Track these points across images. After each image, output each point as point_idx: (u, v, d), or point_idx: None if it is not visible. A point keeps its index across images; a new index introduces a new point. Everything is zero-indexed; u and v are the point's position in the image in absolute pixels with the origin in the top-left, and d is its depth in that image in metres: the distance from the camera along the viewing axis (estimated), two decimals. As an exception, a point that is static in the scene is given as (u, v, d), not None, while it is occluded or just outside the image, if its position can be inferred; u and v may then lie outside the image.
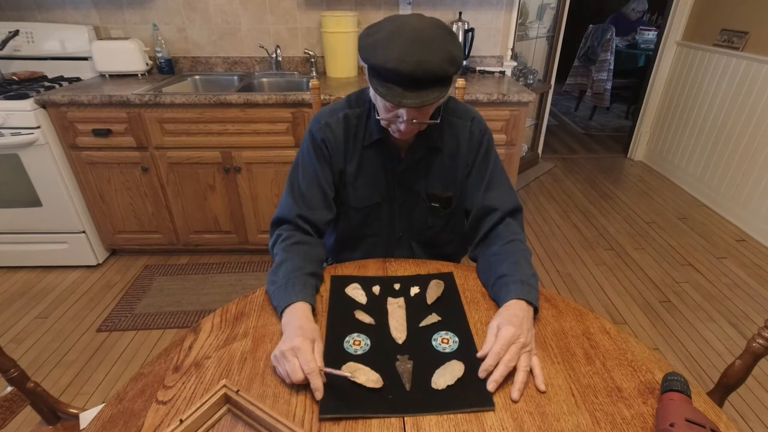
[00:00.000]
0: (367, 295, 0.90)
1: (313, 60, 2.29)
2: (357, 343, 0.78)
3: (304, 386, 0.69)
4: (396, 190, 1.02)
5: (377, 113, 0.90)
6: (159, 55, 2.26)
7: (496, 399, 0.67)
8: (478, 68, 2.40)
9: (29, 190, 2.00)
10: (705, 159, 2.96)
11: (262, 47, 2.31)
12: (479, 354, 0.73)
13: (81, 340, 1.80)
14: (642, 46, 4.57)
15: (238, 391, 0.65)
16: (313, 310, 0.83)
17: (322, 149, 0.97)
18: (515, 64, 2.60)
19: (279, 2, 2.25)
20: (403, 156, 0.99)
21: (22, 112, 1.83)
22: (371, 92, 0.89)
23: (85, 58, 2.23)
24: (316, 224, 0.98)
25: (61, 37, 2.19)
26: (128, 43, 2.15)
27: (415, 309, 0.86)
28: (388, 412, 0.65)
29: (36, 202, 2.03)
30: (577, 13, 4.13)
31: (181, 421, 0.60)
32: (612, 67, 4.23)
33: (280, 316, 0.80)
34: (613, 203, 2.96)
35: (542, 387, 0.69)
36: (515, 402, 0.67)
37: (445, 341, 0.78)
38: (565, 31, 3.11)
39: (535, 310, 0.82)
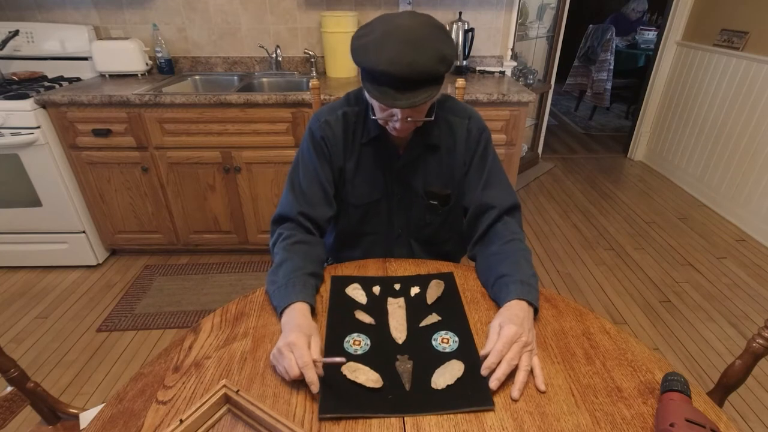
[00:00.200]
0: (367, 295, 0.90)
1: (313, 60, 2.29)
2: (357, 343, 0.78)
3: (303, 386, 0.69)
4: (394, 187, 1.03)
5: (373, 113, 0.91)
6: (159, 55, 2.26)
7: (496, 399, 0.67)
8: (478, 68, 2.40)
9: (29, 190, 2.00)
10: (705, 159, 2.96)
11: (262, 47, 2.31)
12: (482, 352, 0.72)
13: (81, 340, 1.80)
14: (642, 46, 4.57)
15: (238, 391, 0.65)
16: (313, 310, 0.83)
17: (321, 147, 0.98)
18: (515, 64, 2.60)
19: (279, 2, 2.25)
20: (401, 153, 1.00)
21: (22, 112, 1.83)
22: (366, 93, 0.89)
23: (85, 58, 2.23)
24: (317, 221, 0.98)
25: (61, 37, 2.19)
26: (128, 43, 2.15)
27: (415, 309, 0.86)
28: (388, 412, 0.65)
29: (36, 202, 2.03)
30: (577, 13, 4.13)
31: (181, 421, 0.60)
32: (612, 67, 4.23)
33: (279, 316, 0.81)
34: (613, 203, 2.96)
35: (542, 387, 0.69)
36: (515, 401, 0.67)
37: (445, 341, 0.78)
38: (565, 31, 3.11)
39: (535, 311, 0.82)
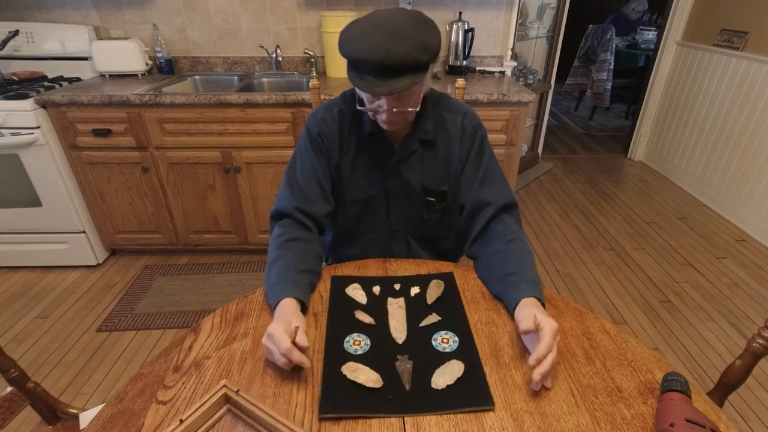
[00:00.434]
0: (367, 295, 0.90)
1: (313, 60, 2.29)
2: (357, 343, 0.78)
3: (304, 386, 0.70)
4: (390, 183, 1.03)
5: (362, 104, 0.92)
6: (159, 55, 2.26)
7: (496, 399, 0.67)
8: (478, 68, 2.40)
9: (29, 190, 2.00)
10: (705, 159, 2.96)
11: (262, 47, 2.31)
12: (522, 328, 0.71)
13: (81, 340, 1.80)
14: (642, 46, 4.57)
15: (238, 391, 0.65)
16: (306, 306, 0.84)
17: (318, 143, 0.99)
18: (515, 64, 2.60)
19: (279, 2, 2.25)
20: (397, 150, 1.01)
21: (22, 112, 1.83)
22: (351, 83, 0.91)
23: (85, 58, 2.23)
24: (314, 217, 0.99)
25: (61, 37, 2.19)
26: (128, 43, 2.15)
27: (415, 309, 0.86)
28: (388, 412, 0.65)
29: (36, 202, 2.03)
30: (577, 13, 4.13)
31: (181, 421, 0.60)
32: (612, 67, 4.23)
33: (273, 312, 0.82)
34: (613, 203, 2.96)
35: (549, 384, 0.69)
36: (547, 388, 0.68)
37: (445, 341, 0.78)
38: (565, 31, 3.11)
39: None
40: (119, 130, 1.94)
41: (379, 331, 0.81)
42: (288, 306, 0.79)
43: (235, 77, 2.34)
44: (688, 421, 0.57)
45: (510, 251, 0.91)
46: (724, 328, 1.89)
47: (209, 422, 0.64)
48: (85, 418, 0.98)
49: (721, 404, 0.88)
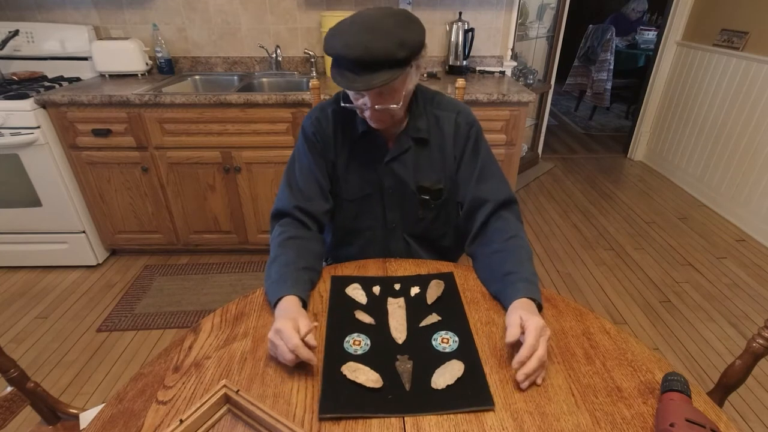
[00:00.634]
0: (367, 296, 0.90)
1: (313, 60, 2.29)
2: (357, 343, 0.78)
3: (304, 386, 0.70)
4: (385, 182, 1.04)
5: (343, 100, 0.93)
6: (159, 55, 2.26)
7: (496, 399, 0.67)
8: (478, 68, 2.40)
9: (29, 190, 2.00)
10: (705, 159, 2.96)
11: (262, 47, 2.31)
12: (507, 340, 0.72)
13: (81, 340, 1.80)
14: (642, 46, 4.57)
15: (238, 391, 0.65)
16: (306, 303, 0.84)
17: (314, 143, 1.01)
18: (515, 64, 2.60)
19: (279, 2, 2.25)
20: (390, 148, 1.01)
21: (22, 112, 1.83)
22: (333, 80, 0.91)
23: (85, 58, 2.23)
24: (314, 215, 1.00)
25: (61, 37, 2.19)
26: (128, 43, 2.15)
27: (415, 309, 0.86)
28: (388, 412, 0.65)
29: (36, 202, 2.03)
30: (577, 13, 4.13)
31: (181, 421, 0.60)
32: (612, 67, 4.23)
33: (273, 310, 0.82)
34: (613, 203, 2.96)
35: (539, 380, 0.70)
36: (522, 390, 0.68)
37: (445, 341, 0.78)
38: (565, 31, 3.11)
39: (539, 308, 0.83)
40: (119, 130, 1.94)
41: (379, 331, 0.81)
42: (291, 304, 0.80)
43: (235, 77, 2.34)
44: (688, 421, 0.57)
45: (508, 250, 0.91)
46: (724, 328, 1.89)
47: (209, 422, 0.64)
48: (85, 418, 0.98)
49: (721, 404, 0.88)
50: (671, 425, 0.58)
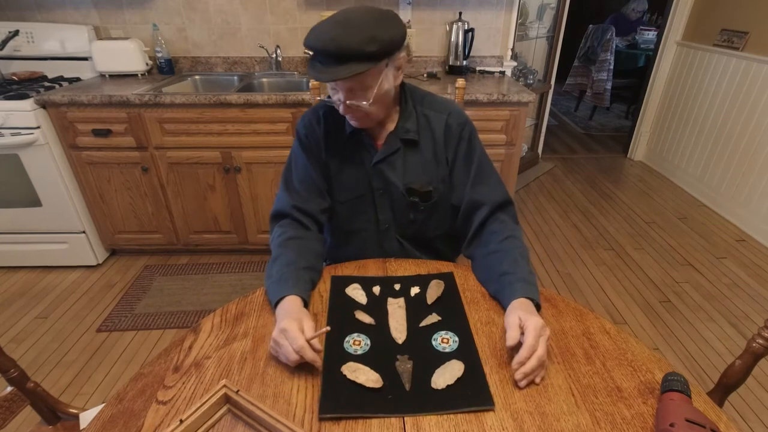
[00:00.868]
0: (367, 296, 0.90)
1: (313, 60, 2.29)
2: (357, 343, 0.78)
3: (304, 386, 0.70)
4: (374, 183, 1.04)
5: (327, 98, 0.95)
6: (159, 55, 2.26)
7: (496, 399, 0.67)
8: (478, 68, 2.40)
9: (29, 190, 2.00)
10: (705, 159, 2.96)
11: (262, 47, 2.31)
12: (508, 343, 0.72)
13: (81, 340, 1.80)
14: (642, 46, 4.57)
15: (238, 391, 0.65)
16: (307, 302, 0.85)
17: (307, 144, 1.02)
18: (515, 64, 2.60)
19: (279, 2, 2.25)
20: (378, 149, 1.01)
21: (22, 112, 1.83)
22: None
23: (85, 58, 2.23)
24: (311, 214, 1.01)
25: (61, 37, 2.19)
26: (128, 43, 2.15)
27: (415, 309, 0.86)
28: (388, 412, 0.65)
29: (36, 202, 2.03)
30: (577, 13, 4.13)
31: (181, 421, 0.60)
32: (612, 67, 4.23)
33: (274, 309, 0.82)
34: (613, 203, 2.96)
35: (538, 380, 0.70)
36: (519, 387, 0.68)
37: (445, 341, 0.78)
38: (565, 31, 3.11)
39: (538, 307, 0.83)
40: (119, 130, 1.94)
41: (379, 331, 0.81)
42: (293, 304, 0.80)
43: (235, 77, 2.34)
44: (688, 421, 0.57)
45: (505, 250, 0.91)
46: (724, 328, 1.89)
47: (209, 422, 0.64)
48: (85, 418, 0.98)
49: (721, 404, 0.88)
50: (671, 425, 0.58)
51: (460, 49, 2.25)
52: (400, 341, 0.78)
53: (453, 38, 2.25)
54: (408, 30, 2.29)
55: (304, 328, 0.72)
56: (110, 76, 2.21)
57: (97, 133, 1.93)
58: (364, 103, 0.88)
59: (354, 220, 1.09)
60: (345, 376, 0.70)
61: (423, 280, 0.94)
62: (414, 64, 2.40)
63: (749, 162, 2.59)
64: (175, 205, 2.14)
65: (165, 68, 2.29)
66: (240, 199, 2.13)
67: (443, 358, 0.74)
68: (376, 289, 0.92)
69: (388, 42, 0.83)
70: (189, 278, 2.16)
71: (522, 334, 0.72)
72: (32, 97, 1.85)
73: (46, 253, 2.19)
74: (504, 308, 0.83)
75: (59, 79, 2.11)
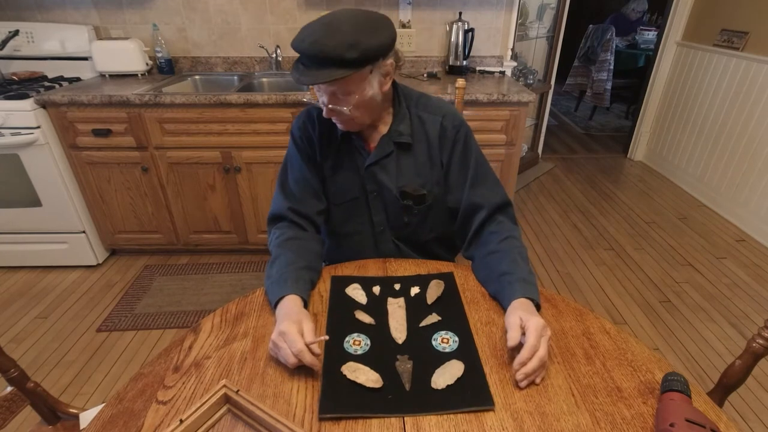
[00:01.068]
0: (367, 296, 0.90)
1: (313, 60, 2.29)
2: (357, 343, 0.78)
3: (304, 386, 0.70)
4: (367, 186, 1.03)
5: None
6: (159, 55, 2.26)
7: (496, 399, 0.67)
8: (478, 68, 2.40)
9: (29, 190, 2.00)
10: (705, 159, 2.96)
11: (262, 47, 2.31)
12: (510, 344, 0.72)
13: (81, 340, 1.80)
14: (642, 46, 4.57)
15: (238, 391, 0.65)
16: (307, 302, 0.85)
17: (302, 146, 1.02)
18: (515, 64, 2.60)
19: (279, 2, 2.25)
20: (371, 152, 1.01)
21: (22, 112, 1.83)
22: None
23: (85, 58, 2.23)
24: (308, 215, 1.01)
25: (61, 37, 2.19)
26: (128, 43, 2.15)
27: (415, 309, 0.86)
28: (388, 412, 0.65)
29: (36, 202, 2.03)
30: (577, 13, 4.13)
31: (181, 421, 0.60)
32: (612, 67, 4.23)
33: (274, 309, 0.82)
34: (613, 203, 2.96)
35: (538, 380, 0.70)
36: (520, 388, 0.68)
37: (445, 341, 0.78)
38: (565, 31, 3.11)
39: (538, 307, 0.83)
40: (119, 130, 1.94)
41: (379, 331, 0.81)
42: (293, 304, 0.80)
43: (235, 77, 2.34)
44: (688, 421, 0.57)
45: (504, 251, 0.91)
46: (724, 328, 1.89)
47: (209, 422, 0.64)
48: (85, 418, 0.98)
49: (721, 404, 0.88)
50: (671, 425, 0.58)
51: (460, 49, 2.25)
52: (400, 341, 0.78)
53: (453, 38, 2.25)
54: (408, 30, 2.31)
55: (304, 330, 0.71)
56: (110, 76, 2.21)
57: (97, 133, 1.93)
58: (345, 108, 0.88)
59: (349, 223, 1.09)
60: (345, 376, 0.70)
61: (423, 280, 0.94)
62: (414, 64, 2.40)
63: (749, 162, 2.59)
64: (175, 205, 2.14)
65: (165, 68, 2.29)
66: (240, 199, 2.13)
67: (443, 358, 0.74)
68: (376, 289, 0.92)
69: (371, 49, 0.82)
70: (189, 278, 2.16)
71: (523, 334, 0.72)
72: (32, 97, 1.85)
73: (46, 253, 2.19)
74: (504, 308, 0.83)
75: (59, 79, 2.11)
